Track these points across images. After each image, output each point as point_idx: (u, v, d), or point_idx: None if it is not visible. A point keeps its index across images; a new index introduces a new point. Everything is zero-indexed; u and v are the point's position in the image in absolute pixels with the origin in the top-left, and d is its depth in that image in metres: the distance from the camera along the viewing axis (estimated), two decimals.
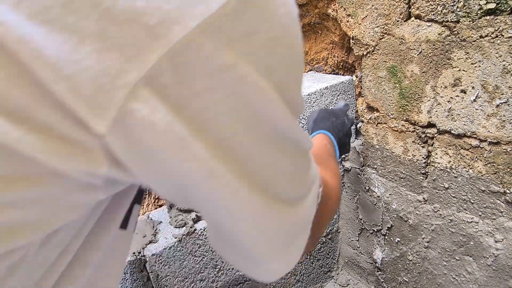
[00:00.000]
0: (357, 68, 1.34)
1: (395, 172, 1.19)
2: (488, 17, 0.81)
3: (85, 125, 0.22)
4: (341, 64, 1.41)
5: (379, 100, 1.16)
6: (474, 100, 0.89)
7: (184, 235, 1.03)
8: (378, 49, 1.10)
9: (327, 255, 1.53)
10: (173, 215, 1.06)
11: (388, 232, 1.29)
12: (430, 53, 0.96)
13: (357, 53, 1.18)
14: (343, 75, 1.41)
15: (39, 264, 0.28)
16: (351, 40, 1.19)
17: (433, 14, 0.92)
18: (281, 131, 0.29)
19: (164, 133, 0.23)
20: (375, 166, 1.26)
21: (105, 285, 0.37)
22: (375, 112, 1.20)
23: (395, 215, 1.24)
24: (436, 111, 0.99)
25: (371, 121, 1.23)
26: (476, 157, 0.93)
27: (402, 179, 1.18)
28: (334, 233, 1.52)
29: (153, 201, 1.28)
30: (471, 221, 1.00)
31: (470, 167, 0.95)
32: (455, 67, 0.91)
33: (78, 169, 0.24)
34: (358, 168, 1.34)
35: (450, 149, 1.00)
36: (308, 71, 1.49)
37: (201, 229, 1.06)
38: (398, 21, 1.01)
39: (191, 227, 1.04)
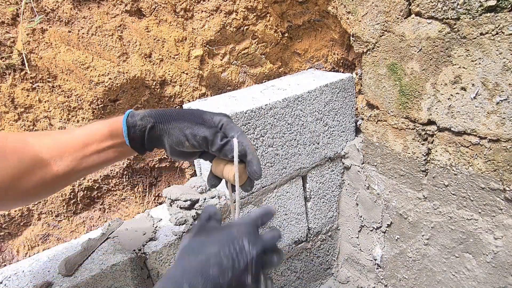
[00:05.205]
0: (357, 66, 1.34)
1: (395, 169, 1.19)
2: (488, 14, 0.81)
3: None
4: (341, 61, 1.41)
5: (379, 97, 1.16)
6: (474, 98, 0.89)
7: (184, 232, 1.03)
8: (378, 47, 1.10)
9: (327, 252, 1.54)
10: (173, 212, 1.06)
11: (388, 229, 1.30)
12: (430, 50, 0.95)
13: (357, 51, 1.18)
14: (343, 72, 1.41)
15: None
16: (351, 38, 1.19)
17: (434, 11, 0.91)
18: None
19: None
20: (375, 164, 1.27)
21: None
22: (375, 109, 1.20)
23: (394, 212, 1.24)
24: (436, 108, 0.99)
25: (371, 119, 1.23)
26: (476, 154, 0.93)
27: (402, 177, 1.18)
28: (334, 230, 1.52)
29: (153, 198, 1.28)
30: (471, 218, 1.00)
31: (470, 164, 0.96)
32: (455, 65, 0.91)
33: None
34: (358, 166, 1.34)
35: (450, 146, 1.00)
36: (308, 68, 1.49)
37: None
38: (398, 18, 1.01)
39: (191, 225, 1.04)
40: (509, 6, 0.77)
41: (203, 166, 1.20)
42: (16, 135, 0.63)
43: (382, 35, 1.07)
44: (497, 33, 0.80)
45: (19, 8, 1.00)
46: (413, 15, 0.97)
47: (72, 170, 0.62)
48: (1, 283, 0.89)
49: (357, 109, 1.35)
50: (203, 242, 0.51)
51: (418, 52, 0.99)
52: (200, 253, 0.49)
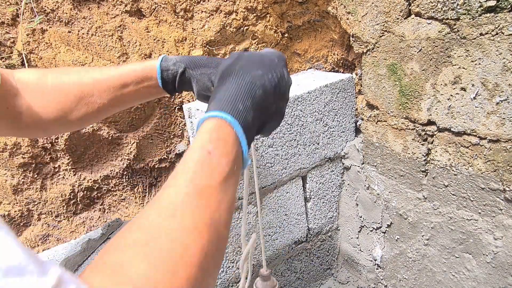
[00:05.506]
0: (357, 66, 1.34)
1: (395, 169, 1.19)
2: (488, 15, 0.81)
3: None
4: (341, 61, 1.41)
5: (379, 97, 1.16)
6: (474, 98, 0.89)
7: None
8: (378, 47, 1.10)
9: (326, 252, 1.54)
10: None
11: (387, 229, 1.30)
12: (430, 50, 0.95)
13: (357, 51, 1.18)
14: (343, 72, 1.41)
15: None
16: (351, 38, 1.19)
17: (433, 12, 0.91)
18: None
19: None
20: (375, 164, 1.27)
21: None
22: (375, 109, 1.20)
23: (394, 213, 1.24)
24: (436, 108, 0.99)
25: (371, 119, 1.23)
26: (476, 154, 0.93)
27: (402, 177, 1.18)
28: (333, 230, 1.52)
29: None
30: (471, 219, 1.00)
31: (470, 164, 0.96)
32: (455, 65, 0.91)
33: None
34: (358, 166, 1.34)
35: (450, 146, 1.00)
36: (308, 69, 1.49)
37: None
38: (398, 18, 1.01)
39: None
40: (509, 6, 0.77)
41: None
42: (56, 72, 0.68)
43: (382, 36, 1.07)
44: (497, 34, 0.80)
45: (19, 9, 1.00)
46: (413, 16, 0.97)
47: (111, 105, 0.69)
48: None
49: (357, 109, 1.35)
50: (247, 64, 0.52)
51: (418, 52, 0.99)
52: (246, 75, 0.49)
